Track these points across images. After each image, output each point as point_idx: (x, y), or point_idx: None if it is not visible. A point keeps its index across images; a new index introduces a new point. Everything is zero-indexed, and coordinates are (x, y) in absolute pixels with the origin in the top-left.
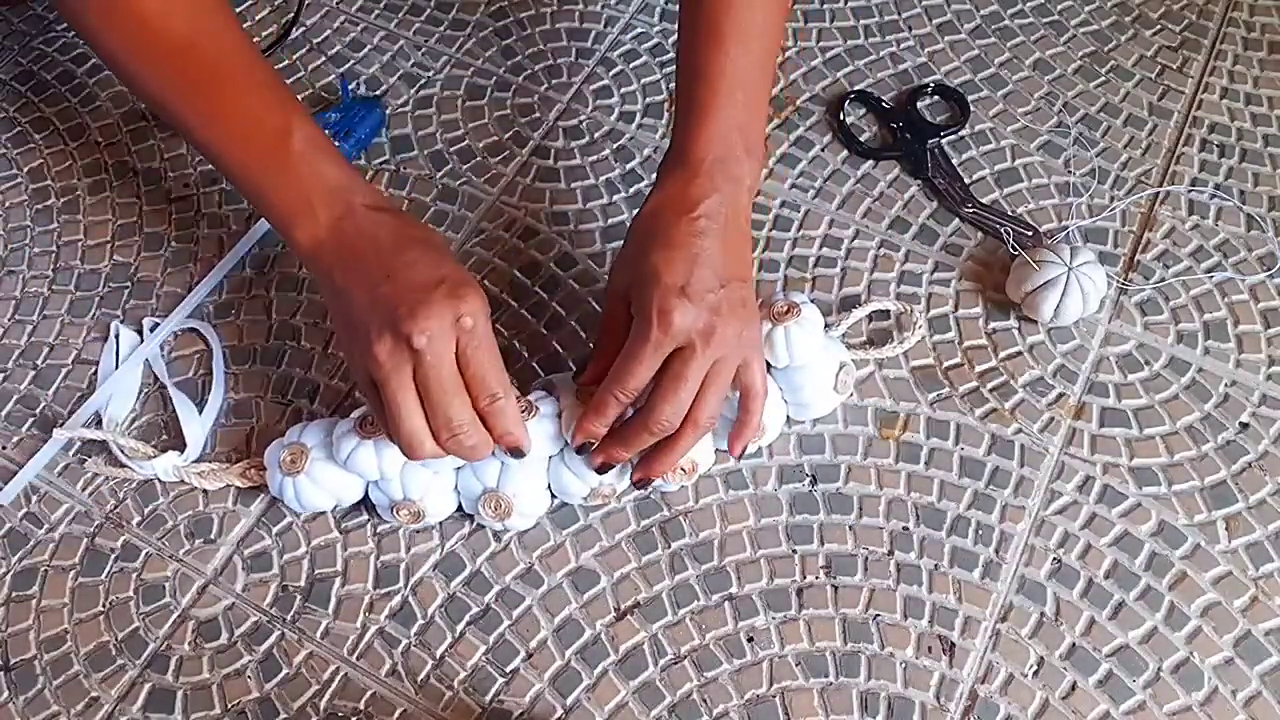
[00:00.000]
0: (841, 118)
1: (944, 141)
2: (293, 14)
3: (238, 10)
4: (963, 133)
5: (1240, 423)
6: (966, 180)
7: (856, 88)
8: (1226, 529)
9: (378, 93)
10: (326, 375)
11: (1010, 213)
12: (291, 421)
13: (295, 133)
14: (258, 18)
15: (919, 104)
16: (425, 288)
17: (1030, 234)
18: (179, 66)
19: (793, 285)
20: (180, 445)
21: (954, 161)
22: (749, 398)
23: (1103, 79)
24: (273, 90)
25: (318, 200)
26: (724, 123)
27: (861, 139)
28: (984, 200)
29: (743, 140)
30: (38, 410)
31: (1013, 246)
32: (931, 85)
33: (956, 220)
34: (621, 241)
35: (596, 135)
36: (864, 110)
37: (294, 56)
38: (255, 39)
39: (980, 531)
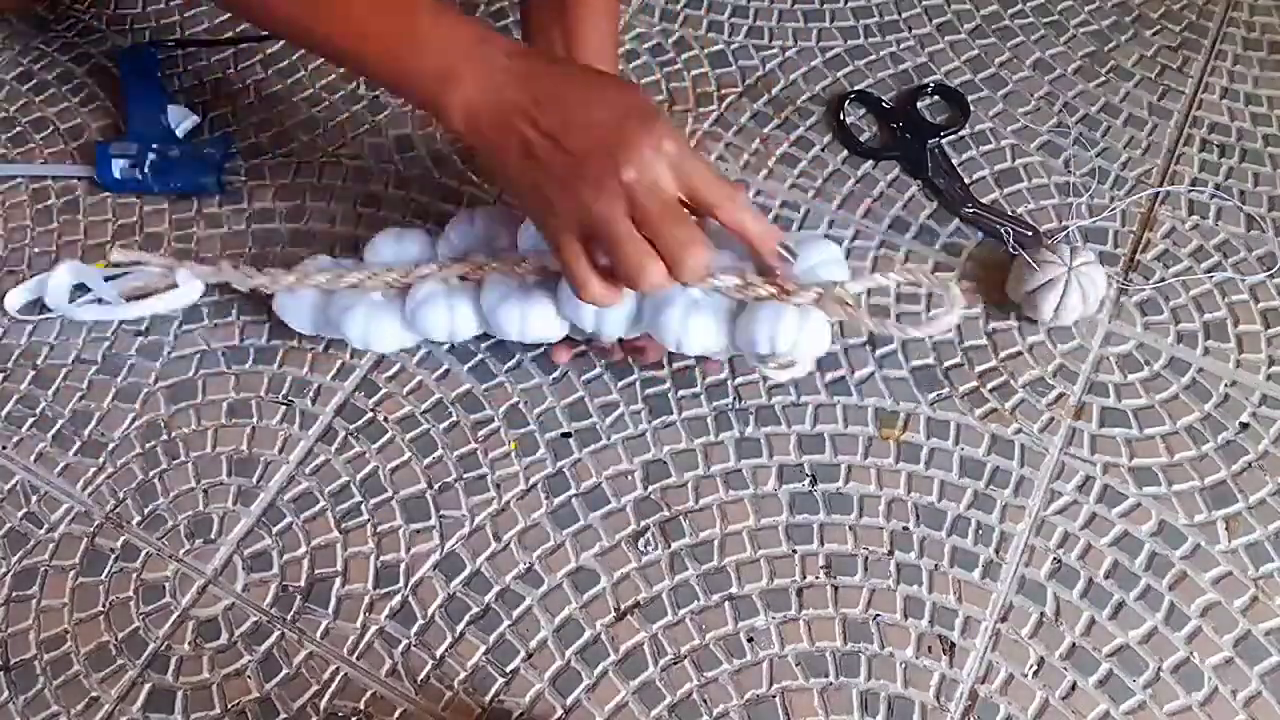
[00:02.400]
0: (841, 118)
1: (944, 141)
2: None
3: None
4: (963, 133)
5: (1240, 423)
6: (966, 180)
7: (856, 88)
8: (1226, 529)
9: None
10: (326, 375)
11: (1010, 213)
12: (291, 421)
13: (420, 4)
14: None
15: (919, 104)
16: (611, 126)
17: (1030, 234)
18: None
19: None
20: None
21: (954, 161)
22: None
23: (1103, 79)
24: None
25: (461, 65)
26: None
27: (861, 139)
28: (984, 200)
29: None
30: (38, 410)
31: (1013, 246)
32: (931, 85)
33: (956, 220)
34: None
35: None
36: (864, 110)
37: (293, 56)
38: (262, 33)
39: (980, 531)
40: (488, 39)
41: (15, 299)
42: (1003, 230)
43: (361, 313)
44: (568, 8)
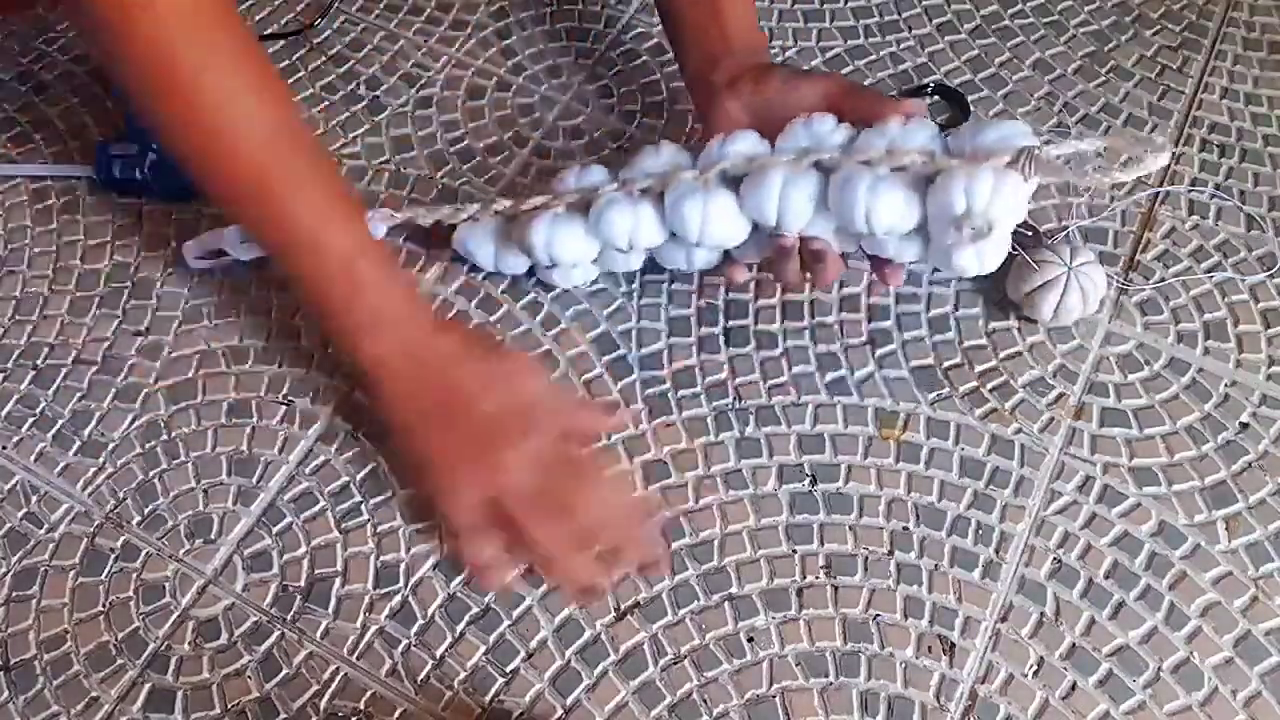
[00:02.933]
0: None
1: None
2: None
3: (242, 9)
4: None
5: (1240, 423)
6: None
7: None
8: (1226, 529)
9: None
10: (326, 375)
11: None
12: (291, 421)
13: (360, 251)
14: (258, 17)
15: None
16: (493, 438)
17: (1030, 234)
18: (225, 154)
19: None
20: None
21: None
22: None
23: (1103, 79)
24: (333, 193)
25: (386, 323)
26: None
27: None
28: None
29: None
30: (38, 410)
31: (1013, 247)
32: (931, 85)
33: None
34: None
35: (596, 135)
36: None
37: (293, 56)
38: (262, 33)
39: (980, 531)
40: (415, 305)
41: (192, 249)
42: None
43: (545, 221)
44: None
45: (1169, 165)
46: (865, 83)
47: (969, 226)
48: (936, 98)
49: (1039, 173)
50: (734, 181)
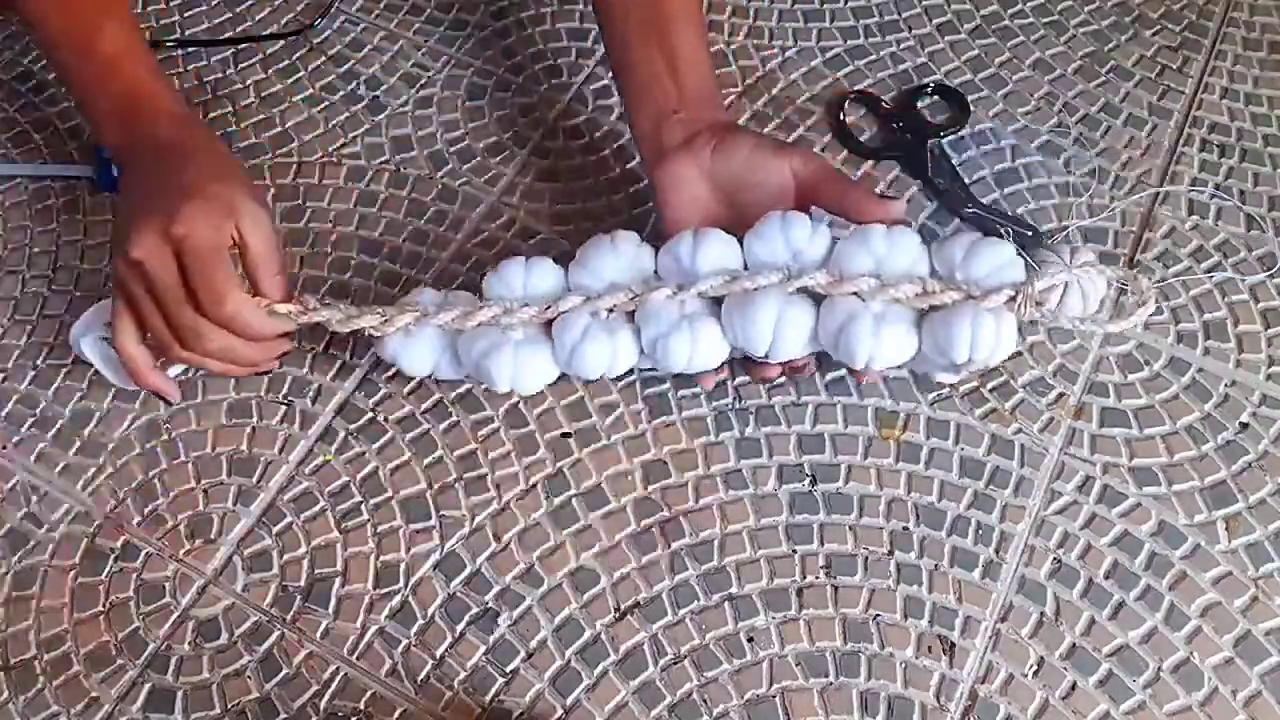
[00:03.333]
0: (841, 118)
1: (944, 141)
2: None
3: (242, 9)
4: (963, 133)
5: (1240, 423)
6: (967, 180)
7: (856, 88)
8: (1226, 529)
9: None
10: (326, 375)
11: (1010, 213)
12: (291, 421)
13: (105, 33)
14: (259, 17)
15: (919, 104)
16: (156, 207)
17: (1030, 234)
18: None
19: None
20: None
21: (954, 161)
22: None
23: (1103, 79)
24: None
25: (116, 109)
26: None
27: (861, 139)
28: (984, 200)
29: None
30: (38, 410)
31: (1017, 250)
32: (931, 85)
33: (956, 220)
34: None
35: (596, 135)
36: (864, 110)
37: (293, 56)
38: (262, 33)
39: (980, 531)
40: (149, 97)
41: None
42: (1003, 230)
43: (509, 354)
44: (656, 23)
45: (1168, 166)
46: (865, 83)
47: (968, 370)
48: (937, 98)
49: (1032, 315)
50: (713, 300)
